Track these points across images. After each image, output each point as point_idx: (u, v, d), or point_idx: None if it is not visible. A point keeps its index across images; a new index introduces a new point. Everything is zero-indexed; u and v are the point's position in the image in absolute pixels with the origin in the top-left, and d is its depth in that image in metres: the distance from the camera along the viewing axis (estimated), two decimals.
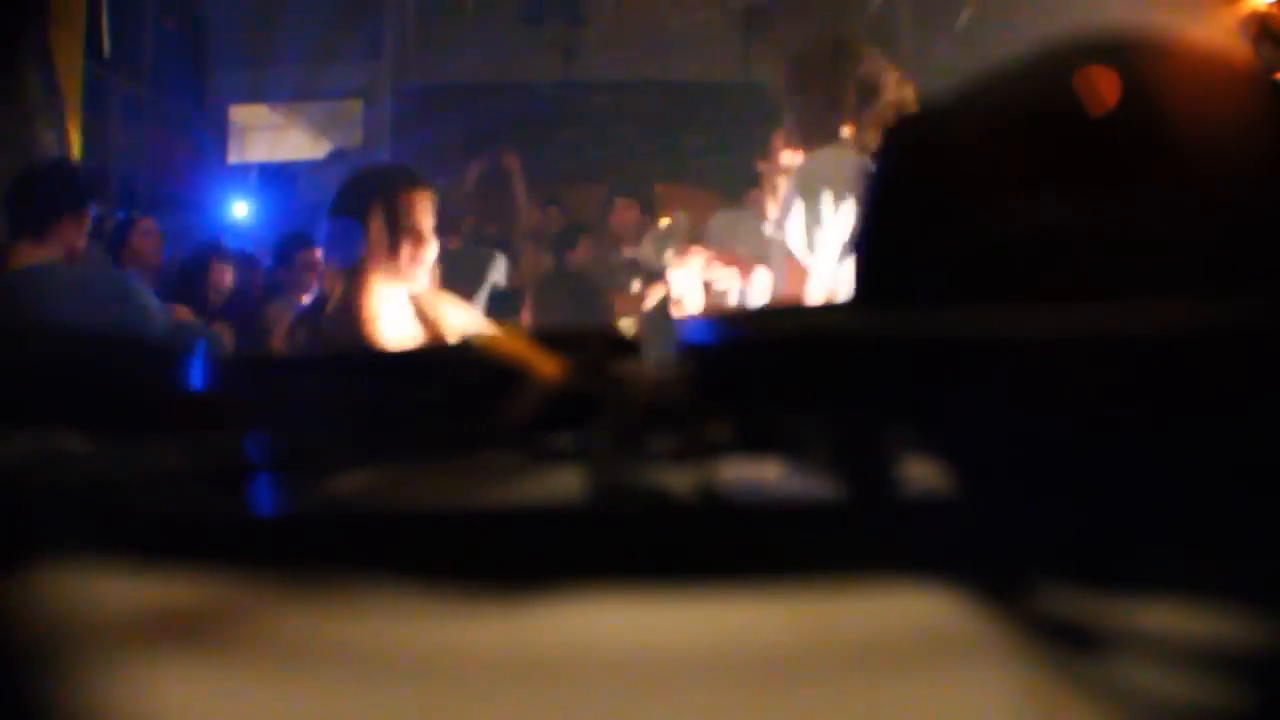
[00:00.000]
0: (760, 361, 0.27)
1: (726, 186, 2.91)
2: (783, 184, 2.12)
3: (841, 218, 1.70)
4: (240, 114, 5.23)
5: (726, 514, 0.25)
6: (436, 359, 0.37)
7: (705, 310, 2.00)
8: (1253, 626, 0.18)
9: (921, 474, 0.27)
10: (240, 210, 3.82)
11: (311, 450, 0.30)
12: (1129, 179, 0.25)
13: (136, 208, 3.09)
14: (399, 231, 1.67)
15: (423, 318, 1.71)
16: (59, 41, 2.89)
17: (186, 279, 2.90)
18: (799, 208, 1.69)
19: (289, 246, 3.01)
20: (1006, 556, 0.21)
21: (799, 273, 1.71)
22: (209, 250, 3.02)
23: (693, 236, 2.81)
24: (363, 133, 5.13)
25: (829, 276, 1.66)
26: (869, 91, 1.59)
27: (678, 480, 0.27)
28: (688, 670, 0.18)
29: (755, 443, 0.33)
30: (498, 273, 2.88)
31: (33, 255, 2.09)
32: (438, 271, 2.11)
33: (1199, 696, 0.16)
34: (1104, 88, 0.25)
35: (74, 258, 2.28)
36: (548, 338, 0.39)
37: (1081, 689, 0.17)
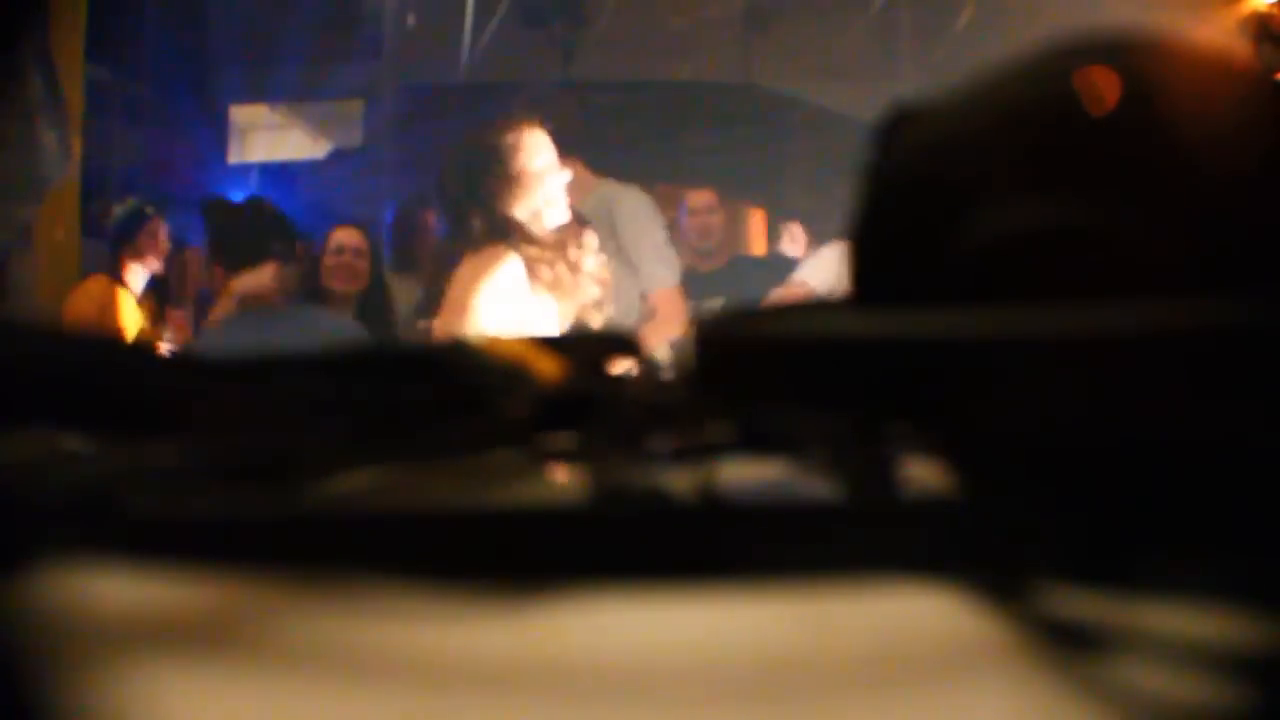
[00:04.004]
0: (760, 361, 0.27)
1: (726, 187, 2.90)
2: None
3: None
4: (240, 114, 5.23)
5: (726, 514, 0.25)
6: (436, 359, 0.37)
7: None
8: (1253, 626, 0.18)
9: (921, 474, 0.27)
10: None
11: (311, 450, 0.30)
12: (1129, 179, 0.25)
13: (148, 199, 3.01)
14: None
15: None
16: (59, 42, 2.88)
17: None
18: None
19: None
20: (1008, 557, 0.21)
21: None
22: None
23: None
24: (363, 133, 5.12)
25: None
26: None
27: (678, 480, 0.27)
28: (687, 670, 0.18)
29: (755, 443, 0.33)
30: None
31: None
32: None
33: (1200, 697, 0.16)
34: (1104, 88, 0.25)
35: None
36: (547, 338, 0.39)
37: (1084, 690, 0.17)
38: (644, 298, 2.12)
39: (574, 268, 1.72)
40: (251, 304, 2.08)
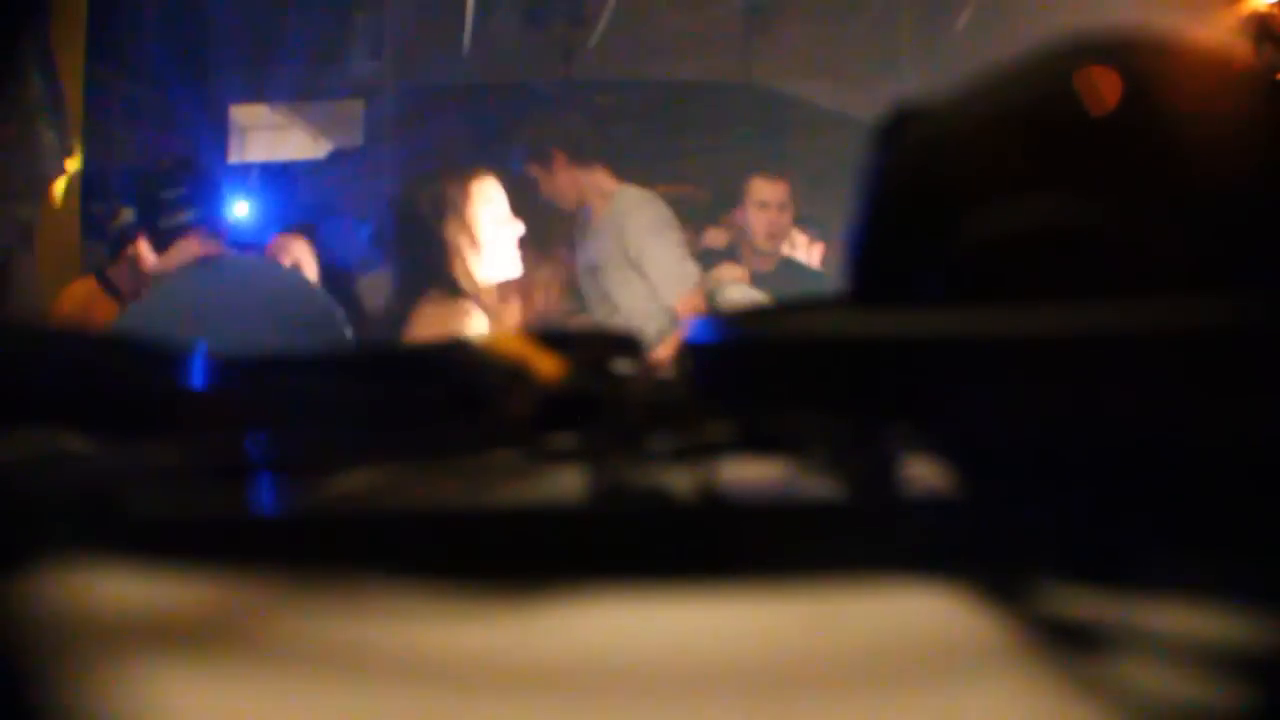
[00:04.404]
0: (760, 361, 0.27)
1: (726, 186, 2.87)
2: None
3: None
4: (240, 114, 5.23)
5: (726, 514, 0.25)
6: (436, 359, 0.37)
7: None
8: (1253, 626, 0.18)
9: (921, 474, 0.27)
10: (240, 210, 3.80)
11: (311, 450, 0.30)
12: (1129, 179, 0.25)
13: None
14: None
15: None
16: (59, 41, 2.88)
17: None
18: None
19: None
20: (1007, 556, 0.21)
21: None
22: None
23: None
24: (363, 133, 5.12)
25: None
26: None
27: (678, 480, 0.27)
28: (687, 670, 0.18)
29: (755, 443, 0.33)
30: None
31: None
32: None
33: (1200, 696, 0.16)
34: (1104, 88, 0.25)
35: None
36: (548, 337, 0.39)
37: (1084, 689, 0.17)
38: (669, 309, 2.07)
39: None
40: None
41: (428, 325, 1.59)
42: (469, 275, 1.62)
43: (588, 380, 0.38)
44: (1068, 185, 0.25)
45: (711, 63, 4.65)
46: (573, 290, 2.31)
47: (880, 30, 4.48)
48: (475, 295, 1.61)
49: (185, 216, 1.83)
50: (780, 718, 0.17)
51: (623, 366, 0.40)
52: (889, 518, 0.24)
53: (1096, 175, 0.25)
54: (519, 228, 1.70)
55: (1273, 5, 1.93)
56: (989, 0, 3.92)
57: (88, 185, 3.26)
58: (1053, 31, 0.27)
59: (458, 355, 0.37)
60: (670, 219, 2.17)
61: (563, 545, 0.22)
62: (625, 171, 2.27)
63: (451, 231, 1.62)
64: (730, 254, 2.51)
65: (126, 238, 2.71)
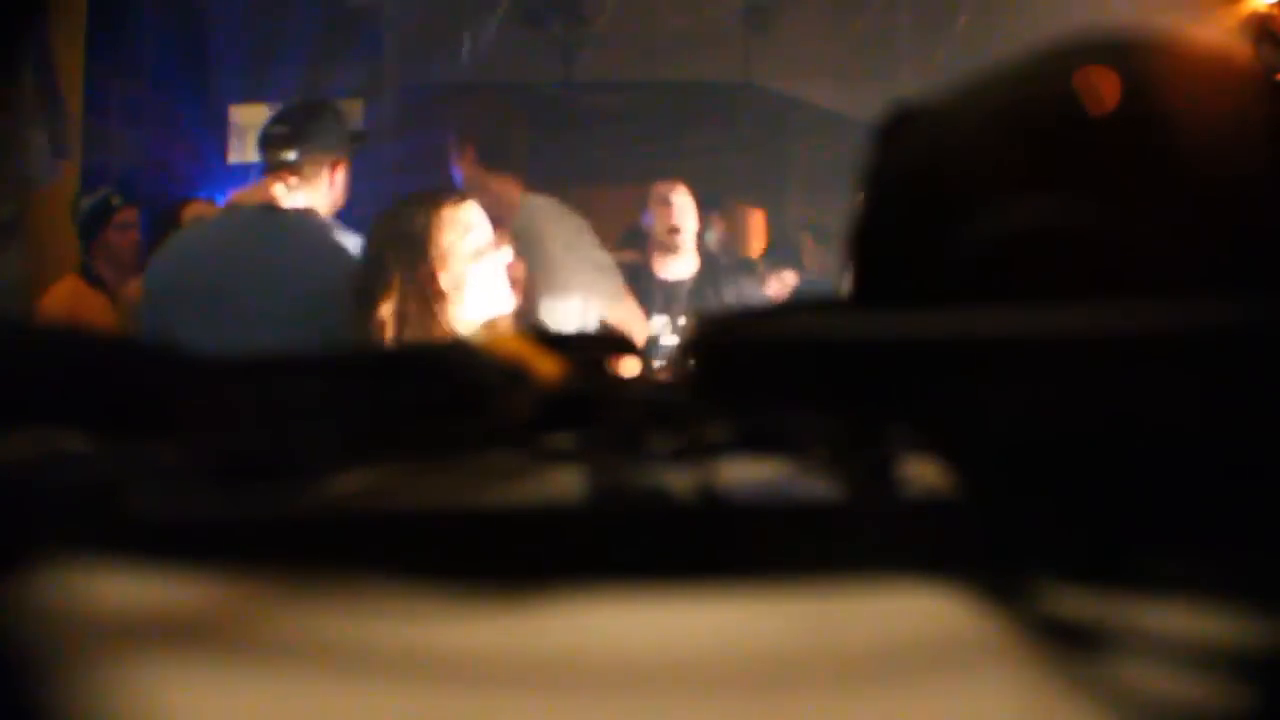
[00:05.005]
0: (760, 361, 0.27)
1: (726, 187, 2.86)
2: None
3: None
4: (240, 114, 5.22)
5: (726, 514, 0.25)
6: (436, 359, 0.37)
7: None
8: (1253, 626, 0.18)
9: (921, 474, 0.27)
10: None
11: (311, 450, 0.30)
12: (1129, 179, 0.25)
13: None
14: None
15: None
16: (59, 42, 2.88)
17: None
18: None
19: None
20: (1007, 557, 0.21)
21: None
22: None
23: None
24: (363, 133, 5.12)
25: None
26: None
27: (678, 480, 0.27)
28: (686, 670, 0.18)
29: (755, 443, 0.33)
30: None
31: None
32: None
33: (1200, 696, 0.16)
34: (1104, 88, 0.25)
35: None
36: (548, 338, 0.39)
37: (1083, 689, 0.17)
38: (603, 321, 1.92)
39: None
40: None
41: None
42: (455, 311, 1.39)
43: (587, 381, 0.38)
44: (1067, 185, 0.25)
45: (711, 63, 4.65)
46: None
47: (880, 30, 4.49)
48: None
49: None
50: (780, 717, 0.17)
51: (621, 367, 0.40)
52: (889, 518, 0.24)
53: (1096, 175, 0.25)
54: (505, 254, 1.47)
55: (1273, 5, 1.93)
56: (989, 0, 3.92)
57: (87, 185, 3.26)
58: (1052, 31, 0.27)
59: (457, 355, 0.37)
60: (586, 230, 1.96)
61: (563, 545, 0.22)
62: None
63: (425, 262, 1.37)
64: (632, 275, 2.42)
65: (95, 224, 2.62)
